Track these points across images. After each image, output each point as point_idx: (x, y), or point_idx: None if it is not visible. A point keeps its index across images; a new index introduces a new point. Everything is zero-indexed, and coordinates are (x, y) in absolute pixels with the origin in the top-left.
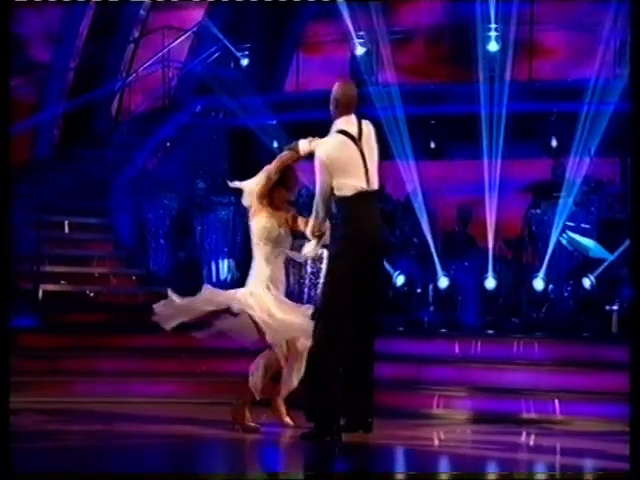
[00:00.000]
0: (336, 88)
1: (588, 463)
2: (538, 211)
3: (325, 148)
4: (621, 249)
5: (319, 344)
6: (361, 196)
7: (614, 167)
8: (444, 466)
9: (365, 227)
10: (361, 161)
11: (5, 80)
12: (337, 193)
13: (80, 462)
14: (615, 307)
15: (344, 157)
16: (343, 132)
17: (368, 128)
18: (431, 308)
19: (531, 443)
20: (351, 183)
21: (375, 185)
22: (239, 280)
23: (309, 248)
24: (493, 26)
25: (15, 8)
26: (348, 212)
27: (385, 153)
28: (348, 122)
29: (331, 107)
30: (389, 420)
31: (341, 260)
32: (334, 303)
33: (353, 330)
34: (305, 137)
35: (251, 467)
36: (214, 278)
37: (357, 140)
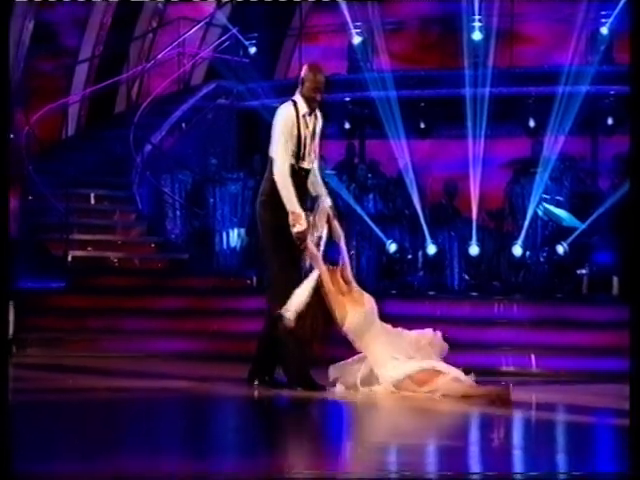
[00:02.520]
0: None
1: (560, 412)
2: (517, 185)
3: None
4: (591, 219)
5: None
6: None
7: (585, 145)
8: (431, 419)
9: None
10: None
11: (5, 76)
12: None
13: (101, 417)
14: (585, 271)
15: None
16: None
17: None
18: (420, 273)
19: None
20: None
21: None
22: (247, 247)
23: None
24: (477, 17)
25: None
26: None
27: (379, 133)
28: None
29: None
30: None
31: None
32: None
33: None
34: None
35: (257, 422)
36: (225, 245)
37: None
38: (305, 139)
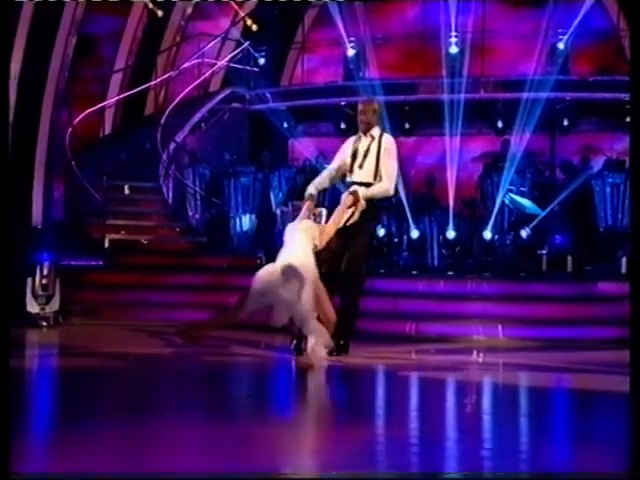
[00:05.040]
0: (378, 104)
1: (523, 375)
2: (488, 178)
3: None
4: (551, 207)
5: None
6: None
7: (545, 142)
8: (414, 380)
9: None
10: None
11: (5, 78)
12: None
13: (128, 382)
14: (544, 251)
15: None
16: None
17: None
18: (405, 254)
19: (480, 360)
20: None
21: None
22: (257, 231)
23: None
24: (454, 33)
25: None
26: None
27: None
28: None
29: (372, 117)
30: (373, 342)
31: (372, 230)
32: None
33: None
34: (308, 118)
35: (265, 386)
36: (238, 229)
37: None
38: (355, 157)
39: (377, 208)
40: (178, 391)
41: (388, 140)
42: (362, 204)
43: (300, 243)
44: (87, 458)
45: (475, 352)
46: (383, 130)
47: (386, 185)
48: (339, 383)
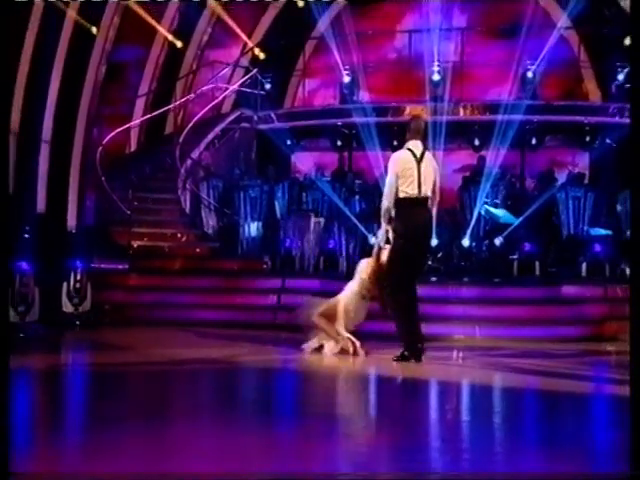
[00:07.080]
0: (410, 121)
1: (499, 373)
2: (466, 190)
3: (397, 155)
4: (523, 217)
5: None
6: (411, 200)
7: (516, 158)
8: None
9: (409, 223)
10: (416, 174)
11: (5, 80)
12: (398, 195)
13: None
14: (516, 257)
15: (405, 167)
16: (409, 150)
17: (429, 155)
18: None
19: (460, 358)
20: (402, 189)
21: (426, 193)
22: (264, 237)
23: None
24: (436, 62)
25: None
26: (399, 211)
27: (362, 148)
28: (415, 145)
29: (406, 133)
30: (365, 341)
31: (397, 242)
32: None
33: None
34: (308, 136)
35: (273, 391)
36: (247, 235)
37: (418, 159)
38: None
39: (397, 224)
40: (197, 394)
41: (391, 156)
42: (387, 230)
43: (351, 285)
44: (94, 460)
45: (455, 350)
46: (408, 146)
47: (382, 201)
48: (339, 385)
